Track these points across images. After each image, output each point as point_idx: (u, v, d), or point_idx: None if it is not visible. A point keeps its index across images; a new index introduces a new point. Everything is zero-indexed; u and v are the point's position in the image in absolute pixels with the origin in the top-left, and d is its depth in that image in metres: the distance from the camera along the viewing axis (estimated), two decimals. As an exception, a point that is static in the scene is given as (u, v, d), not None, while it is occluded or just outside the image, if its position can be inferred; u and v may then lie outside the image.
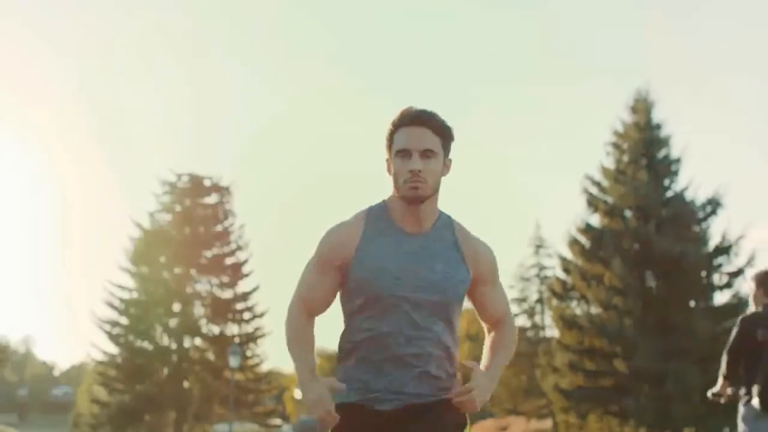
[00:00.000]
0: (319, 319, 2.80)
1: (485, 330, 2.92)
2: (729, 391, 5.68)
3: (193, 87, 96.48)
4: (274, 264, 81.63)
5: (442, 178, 2.71)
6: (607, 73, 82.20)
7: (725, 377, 5.73)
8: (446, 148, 2.70)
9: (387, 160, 2.72)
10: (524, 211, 79.24)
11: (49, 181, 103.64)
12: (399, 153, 2.65)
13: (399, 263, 2.64)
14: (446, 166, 2.72)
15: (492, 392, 2.74)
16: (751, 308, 5.85)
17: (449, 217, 2.77)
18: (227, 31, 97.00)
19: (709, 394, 5.87)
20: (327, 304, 2.78)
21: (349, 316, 2.73)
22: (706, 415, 23.57)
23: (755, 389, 5.48)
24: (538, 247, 38.28)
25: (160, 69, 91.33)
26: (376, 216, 2.73)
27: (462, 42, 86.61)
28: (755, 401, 5.47)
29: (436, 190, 2.69)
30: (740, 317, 5.82)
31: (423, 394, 2.66)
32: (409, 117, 2.67)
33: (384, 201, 2.76)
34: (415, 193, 2.62)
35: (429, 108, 2.72)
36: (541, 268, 38.21)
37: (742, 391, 5.60)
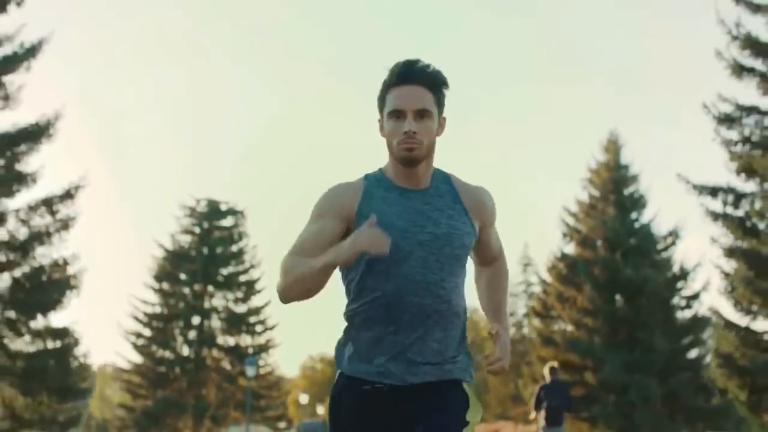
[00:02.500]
0: (319, 319, 3.27)
1: (475, 266, 2.98)
2: (537, 417, 12.03)
3: (191, 90, 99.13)
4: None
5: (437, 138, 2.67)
6: (605, 77, 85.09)
7: (536, 410, 12.02)
8: (440, 105, 2.65)
9: (379, 120, 2.68)
10: (524, 213, 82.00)
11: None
12: (392, 114, 2.60)
13: (405, 217, 2.61)
14: (441, 125, 2.67)
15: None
16: (547, 380, 12.32)
17: (445, 173, 2.76)
18: (226, 34, 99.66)
19: (530, 417, 12.64)
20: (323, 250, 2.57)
21: (352, 280, 2.67)
22: (665, 421, 27.61)
23: (542, 415, 11.88)
24: (526, 265, 42.32)
25: (158, 72, 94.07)
26: (375, 178, 2.71)
27: (461, 46, 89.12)
28: (543, 422, 11.88)
29: (431, 151, 2.65)
30: (539, 385, 12.29)
31: (430, 364, 2.61)
32: (402, 75, 2.61)
33: (380, 168, 2.74)
34: (410, 154, 2.59)
35: (422, 61, 2.65)
36: (528, 284, 42.27)
37: (540, 415, 12.00)
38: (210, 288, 37.36)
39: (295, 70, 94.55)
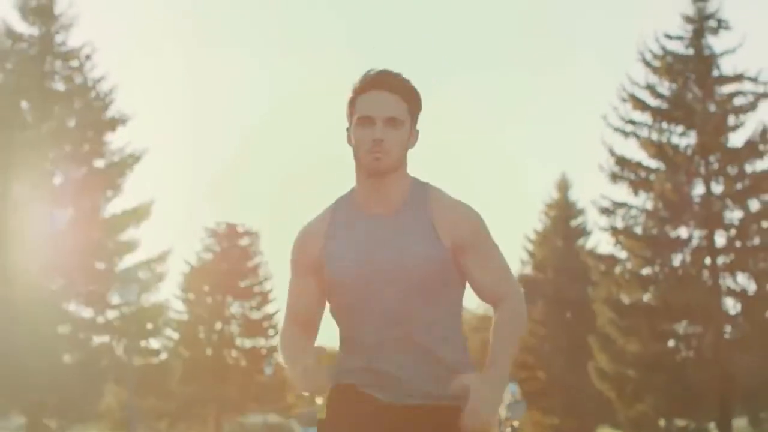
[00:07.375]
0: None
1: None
2: None
3: (194, 79, 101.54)
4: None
5: (410, 151, 2.62)
6: (595, 57, 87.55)
7: None
8: (414, 116, 2.60)
9: (347, 129, 2.61)
10: (511, 201, 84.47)
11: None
12: (361, 120, 2.54)
13: (363, 254, 2.59)
14: (413, 137, 2.61)
15: (502, 391, 2.54)
16: None
17: (424, 189, 2.65)
18: (233, 22, 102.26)
19: None
20: (318, 312, 2.74)
21: (334, 318, 2.71)
22: (599, 408, 36.39)
23: None
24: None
25: (161, 60, 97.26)
26: (342, 206, 2.67)
27: (450, 23, 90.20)
28: None
29: (401, 163, 2.59)
30: None
31: (412, 393, 2.59)
32: (373, 80, 2.56)
33: (352, 189, 2.68)
34: (377, 164, 2.54)
35: (397, 70, 2.59)
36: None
37: None
38: (229, 298, 45.34)
39: (292, 66, 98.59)
